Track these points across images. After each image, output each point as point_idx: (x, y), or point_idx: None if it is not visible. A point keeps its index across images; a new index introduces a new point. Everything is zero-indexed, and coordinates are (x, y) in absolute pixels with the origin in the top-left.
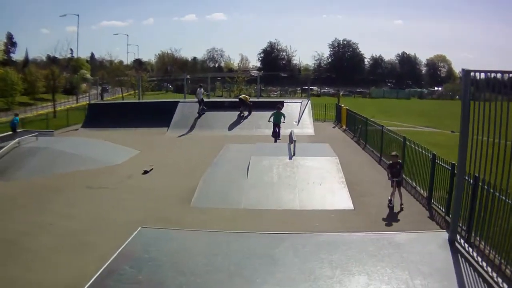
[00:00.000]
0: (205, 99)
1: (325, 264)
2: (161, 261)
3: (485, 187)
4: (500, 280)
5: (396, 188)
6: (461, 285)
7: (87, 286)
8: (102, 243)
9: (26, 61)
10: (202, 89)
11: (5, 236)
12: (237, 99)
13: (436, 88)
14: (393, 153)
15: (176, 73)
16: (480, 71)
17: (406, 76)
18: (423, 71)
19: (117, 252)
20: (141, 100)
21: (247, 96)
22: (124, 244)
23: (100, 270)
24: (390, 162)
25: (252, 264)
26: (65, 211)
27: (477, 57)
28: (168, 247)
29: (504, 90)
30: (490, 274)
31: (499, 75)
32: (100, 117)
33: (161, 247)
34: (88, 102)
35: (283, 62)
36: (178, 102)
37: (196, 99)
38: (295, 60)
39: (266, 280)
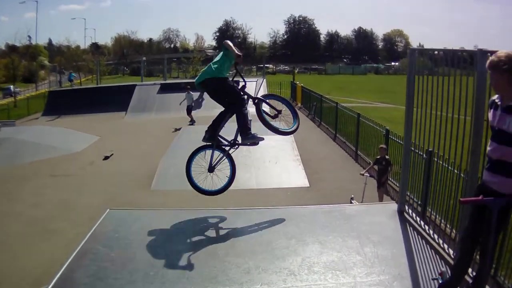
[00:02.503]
0: (162, 81)
1: (281, 235)
2: (130, 239)
3: (438, 161)
4: (446, 246)
5: (377, 190)
6: (409, 251)
7: (64, 266)
8: (69, 228)
9: None
10: (191, 93)
11: None
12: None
13: (392, 63)
14: (381, 146)
15: (132, 55)
16: (423, 50)
17: (363, 52)
18: (379, 46)
19: (89, 233)
20: (99, 85)
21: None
22: (95, 226)
23: (76, 250)
24: (377, 157)
25: (213, 238)
26: (31, 200)
27: (434, 32)
28: (135, 226)
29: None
30: (437, 240)
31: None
32: (60, 104)
33: (128, 227)
34: (47, 90)
35: (239, 40)
36: (135, 85)
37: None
38: (251, 38)
39: (227, 253)
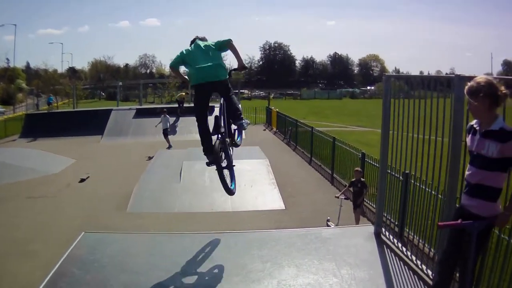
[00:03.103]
0: (138, 106)
1: (256, 259)
2: (105, 262)
3: (415, 182)
4: (424, 267)
5: (353, 212)
6: (387, 272)
7: None
8: (45, 250)
9: None
10: (167, 116)
11: None
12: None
13: (368, 88)
14: (356, 168)
15: (109, 80)
16: (399, 77)
17: (338, 77)
18: (355, 71)
19: (65, 255)
20: (76, 109)
21: (182, 94)
22: (70, 248)
23: (51, 273)
24: (353, 179)
25: (188, 261)
26: (8, 221)
27: (410, 55)
28: (111, 249)
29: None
30: (415, 261)
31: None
32: (37, 127)
33: (104, 249)
34: (25, 112)
35: None
36: (111, 110)
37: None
38: (226, 64)
39: (203, 276)
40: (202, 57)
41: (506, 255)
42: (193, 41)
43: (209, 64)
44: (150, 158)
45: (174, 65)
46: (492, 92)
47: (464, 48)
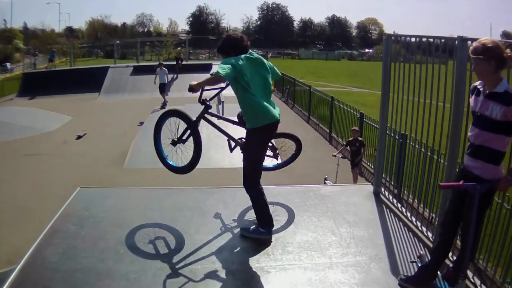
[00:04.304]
0: (135, 64)
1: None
2: (100, 217)
3: (412, 144)
4: (419, 224)
5: (351, 171)
6: (386, 232)
7: (34, 245)
8: (41, 207)
9: None
10: (164, 69)
11: None
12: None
13: (366, 50)
14: (354, 128)
15: (106, 39)
16: (401, 35)
17: (336, 39)
18: (353, 34)
19: (59, 212)
20: (73, 67)
21: (180, 49)
22: (65, 204)
23: (46, 229)
24: (350, 138)
25: (184, 216)
26: (4, 179)
27: (410, 21)
28: (106, 204)
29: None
30: (415, 223)
31: (413, 39)
32: (35, 86)
33: (99, 205)
34: (22, 72)
35: (212, 25)
36: (108, 67)
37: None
38: (224, 24)
39: (198, 231)
40: (266, 80)
41: (504, 222)
42: (237, 45)
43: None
44: (141, 123)
45: (228, 78)
46: (498, 53)
47: (464, 16)
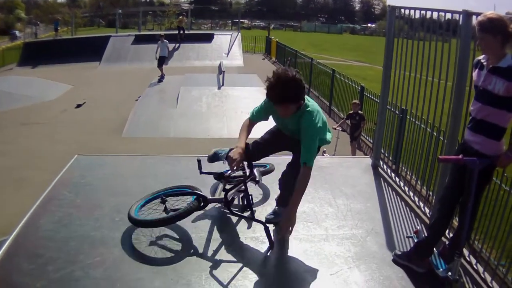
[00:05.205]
0: (136, 33)
1: (250, 184)
2: (97, 185)
3: (412, 119)
4: (417, 199)
5: (350, 144)
6: (383, 206)
7: (29, 213)
8: (38, 176)
9: None
10: (165, 41)
11: None
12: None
13: (369, 25)
14: (354, 101)
15: (108, 8)
16: (405, 8)
17: (339, 12)
18: (356, 8)
19: (56, 179)
20: (74, 36)
21: (182, 18)
22: (62, 172)
23: (41, 197)
24: (350, 112)
25: (179, 183)
26: (2, 148)
27: None
28: (102, 172)
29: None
30: (412, 198)
31: (424, 12)
32: (35, 55)
33: (96, 172)
34: (23, 41)
35: None
36: (110, 36)
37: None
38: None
39: None
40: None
41: (501, 204)
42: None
43: None
44: (139, 97)
45: None
46: (504, 28)
47: None
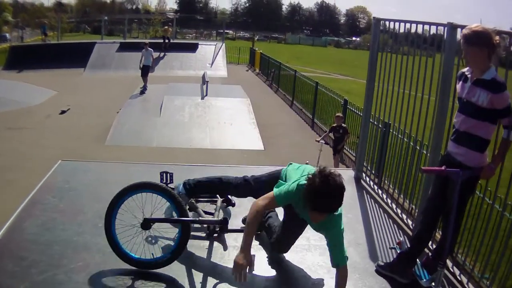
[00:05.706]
0: (121, 40)
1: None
2: (80, 190)
3: (395, 133)
4: (399, 211)
5: (333, 157)
6: (366, 218)
7: (13, 216)
8: (22, 179)
9: None
10: (150, 49)
11: None
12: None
13: (354, 38)
14: (338, 114)
15: (94, 14)
16: (390, 20)
17: (324, 25)
18: (341, 21)
19: (40, 183)
20: (60, 42)
21: (167, 28)
22: (46, 177)
23: (26, 200)
24: (334, 125)
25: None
26: None
27: (399, 12)
28: (86, 177)
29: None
30: (395, 210)
31: (409, 26)
32: (21, 59)
33: (80, 178)
34: (9, 45)
35: (200, 5)
36: (95, 43)
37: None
38: (212, 4)
39: None
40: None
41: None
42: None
43: None
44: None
45: None
46: (489, 40)
47: (454, 9)
